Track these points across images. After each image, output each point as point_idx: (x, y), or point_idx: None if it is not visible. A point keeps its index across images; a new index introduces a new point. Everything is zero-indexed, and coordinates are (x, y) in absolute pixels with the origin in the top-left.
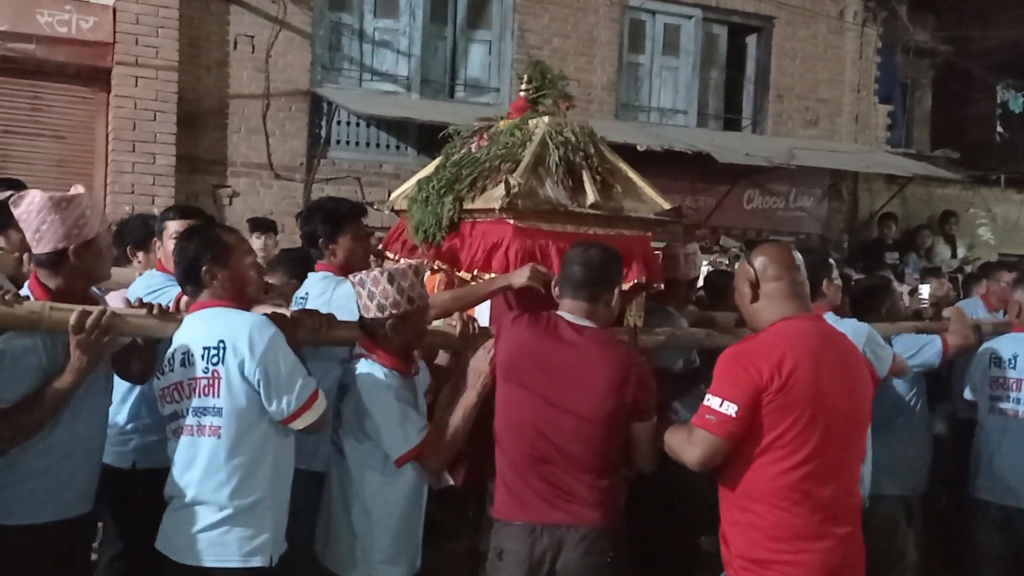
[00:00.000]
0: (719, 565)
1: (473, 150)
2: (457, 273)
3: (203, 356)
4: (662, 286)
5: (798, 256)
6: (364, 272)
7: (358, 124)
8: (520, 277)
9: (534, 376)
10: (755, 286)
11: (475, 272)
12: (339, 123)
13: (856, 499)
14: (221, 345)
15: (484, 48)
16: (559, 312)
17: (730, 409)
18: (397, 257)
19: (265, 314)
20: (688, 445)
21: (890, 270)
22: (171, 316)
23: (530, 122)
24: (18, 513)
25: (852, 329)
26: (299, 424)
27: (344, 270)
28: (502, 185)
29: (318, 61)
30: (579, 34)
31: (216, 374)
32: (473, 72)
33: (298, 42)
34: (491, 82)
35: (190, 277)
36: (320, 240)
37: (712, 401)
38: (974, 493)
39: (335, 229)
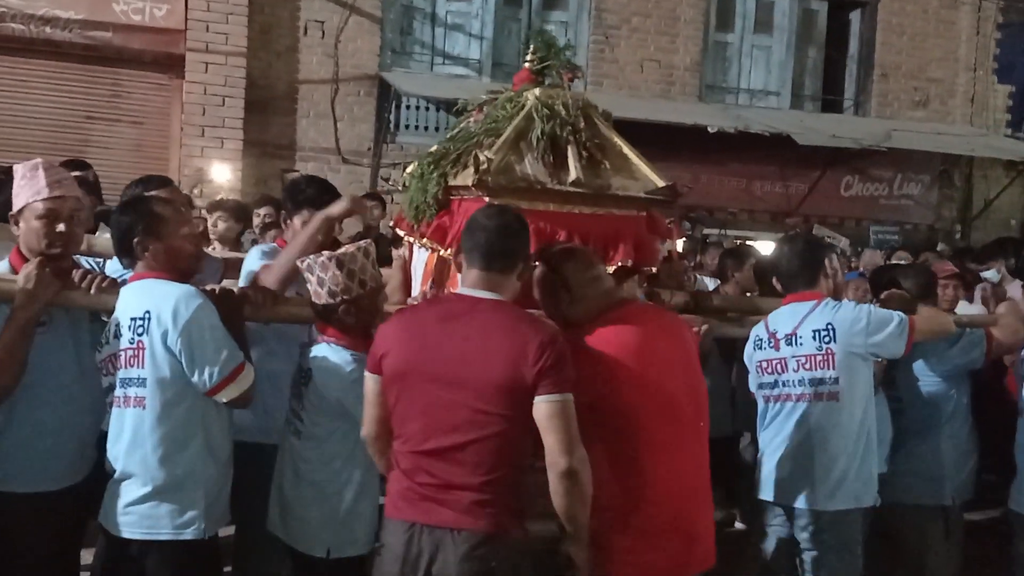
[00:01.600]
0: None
1: (471, 124)
2: (442, 252)
3: (129, 327)
4: (654, 270)
5: (590, 252)
6: (312, 257)
7: (427, 108)
8: (338, 207)
9: (422, 373)
10: (568, 290)
11: (451, 251)
12: (407, 107)
13: (706, 499)
14: (146, 315)
15: (560, 30)
16: (457, 290)
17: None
18: (405, 235)
19: (212, 289)
20: None
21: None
22: (109, 289)
23: (525, 94)
24: (12, 481)
25: (851, 312)
26: (223, 396)
27: None
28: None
29: (388, 45)
30: (661, 12)
31: (140, 344)
32: None
33: (368, 27)
34: None
35: (124, 249)
36: (283, 212)
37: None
38: (1016, 507)
39: (295, 206)
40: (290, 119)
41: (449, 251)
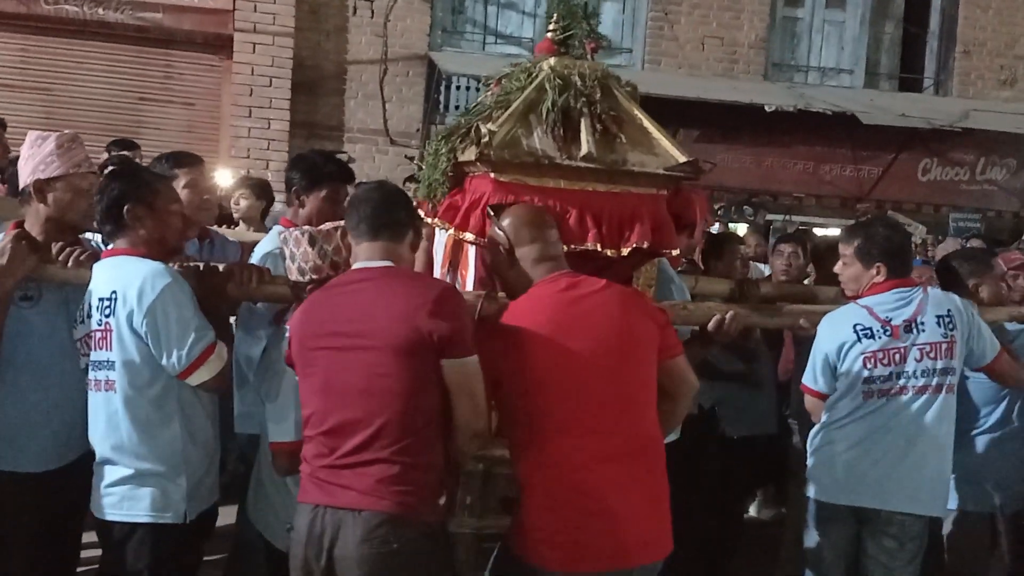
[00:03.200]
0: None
1: (487, 97)
2: (451, 232)
3: (98, 307)
4: (675, 253)
5: (547, 215)
6: (288, 231)
7: (477, 89)
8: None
9: (320, 344)
10: (510, 252)
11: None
12: (457, 88)
13: (644, 484)
14: (113, 296)
15: (617, 6)
16: (354, 266)
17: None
18: (425, 216)
19: (196, 265)
20: None
21: None
22: (87, 263)
23: (540, 64)
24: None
25: (961, 300)
26: (194, 380)
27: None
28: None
29: (438, 25)
30: None
31: (108, 326)
32: (604, 32)
33: (418, 5)
34: (623, 42)
35: (111, 217)
36: (294, 188)
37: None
38: None
39: (311, 183)
40: (338, 100)
41: (461, 232)
